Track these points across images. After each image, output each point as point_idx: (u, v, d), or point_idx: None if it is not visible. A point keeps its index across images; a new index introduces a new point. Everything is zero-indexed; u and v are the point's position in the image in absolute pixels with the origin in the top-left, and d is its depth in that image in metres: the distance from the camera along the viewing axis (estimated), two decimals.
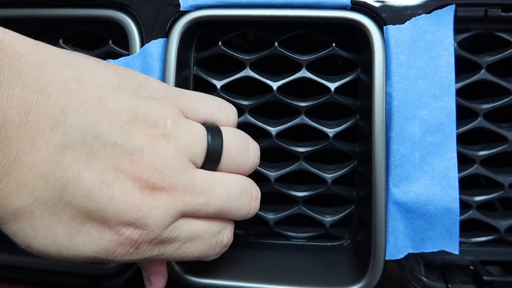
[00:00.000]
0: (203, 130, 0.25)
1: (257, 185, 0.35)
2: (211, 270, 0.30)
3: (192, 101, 0.26)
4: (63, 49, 0.24)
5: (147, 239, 0.24)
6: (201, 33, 0.35)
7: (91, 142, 0.22)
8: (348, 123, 0.34)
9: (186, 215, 0.25)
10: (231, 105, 0.28)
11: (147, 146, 0.23)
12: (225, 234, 0.27)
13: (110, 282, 0.35)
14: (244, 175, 0.27)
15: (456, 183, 0.30)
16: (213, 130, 0.26)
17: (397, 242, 0.31)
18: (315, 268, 0.31)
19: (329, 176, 0.34)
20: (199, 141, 0.25)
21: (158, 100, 0.25)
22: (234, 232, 0.35)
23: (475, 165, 0.34)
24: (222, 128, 0.27)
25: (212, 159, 0.25)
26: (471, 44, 0.35)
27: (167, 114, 0.24)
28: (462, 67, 0.33)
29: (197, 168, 0.25)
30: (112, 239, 0.23)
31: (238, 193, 0.26)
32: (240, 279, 0.30)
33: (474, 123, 0.33)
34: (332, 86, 0.34)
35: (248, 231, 0.36)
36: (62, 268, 0.35)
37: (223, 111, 0.27)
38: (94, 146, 0.22)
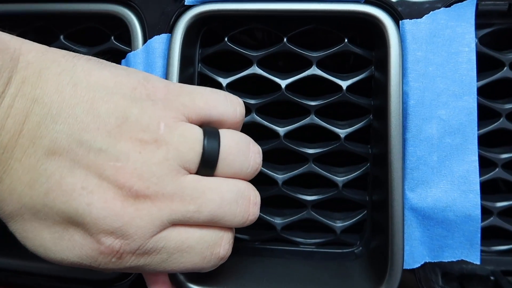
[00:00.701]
0: (199, 134, 0.24)
1: (264, 188, 0.33)
2: (216, 279, 0.29)
3: (194, 98, 0.25)
4: (68, 53, 0.24)
5: (129, 250, 0.23)
6: (206, 29, 0.34)
7: (76, 148, 0.22)
8: (360, 124, 0.33)
9: (177, 223, 0.24)
10: (237, 97, 0.27)
11: (134, 152, 0.22)
12: (222, 245, 0.25)
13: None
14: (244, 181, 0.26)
15: (477, 187, 0.28)
16: (210, 134, 0.24)
17: (413, 251, 0.29)
18: (327, 277, 0.30)
19: (340, 179, 0.33)
20: (194, 146, 0.23)
21: (154, 102, 0.24)
22: (239, 237, 0.34)
23: (497, 169, 0.32)
24: (221, 131, 0.25)
25: (207, 165, 0.24)
26: (493, 41, 0.33)
27: (161, 118, 0.23)
28: (483, 64, 0.31)
29: (191, 174, 0.24)
30: (94, 247, 0.22)
31: (234, 198, 0.24)
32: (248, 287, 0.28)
33: (496, 124, 0.31)
34: (344, 84, 0.32)
35: (254, 236, 0.34)
36: (63, 274, 0.33)
37: (228, 105, 0.26)
38: (79, 153, 0.22)
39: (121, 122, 0.22)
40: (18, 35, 0.28)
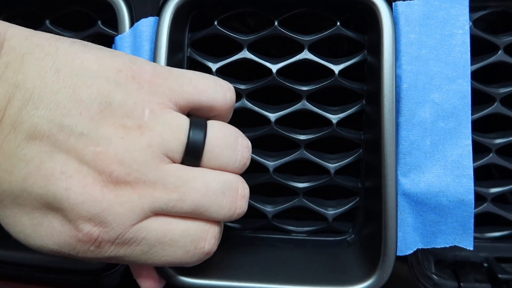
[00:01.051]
0: (185, 124, 0.23)
1: (255, 175, 0.33)
2: (206, 270, 0.28)
3: (182, 82, 0.24)
4: (52, 37, 0.23)
5: (108, 238, 0.22)
6: (196, 13, 0.33)
7: (57, 133, 0.21)
8: (353, 109, 0.32)
9: (159, 213, 0.23)
10: (227, 82, 0.26)
11: (116, 138, 0.22)
12: (207, 240, 0.24)
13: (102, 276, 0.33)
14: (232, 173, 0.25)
15: (470, 172, 0.28)
16: (197, 124, 0.23)
17: (406, 237, 0.29)
18: (320, 265, 0.29)
19: (332, 165, 0.32)
20: (178, 134, 0.23)
21: (140, 85, 0.23)
22: (229, 226, 0.34)
23: (491, 154, 0.31)
24: (209, 122, 0.24)
25: (191, 155, 0.23)
26: (487, 24, 0.32)
27: (146, 103, 0.22)
28: (477, 48, 0.31)
29: (175, 163, 0.23)
30: (71, 234, 0.22)
31: (220, 189, 0.23)
32: (240, 279, 0.27)
33: (490, 108, 0.31)
34: (336, 68, 0.32)
35: (244, 224, 0.33)
36: (49, 264, 0.33)
37: (218, 90, 0.25)
38: (59, 137, 0.21)
39: (104, 107, 0.22)
40: (4, 20, 0.28)
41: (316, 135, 0.32)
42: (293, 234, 0.33)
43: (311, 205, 0.32)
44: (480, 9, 0.31)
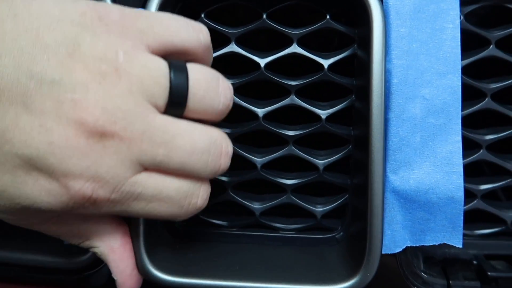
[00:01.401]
0: (164, 66, 0.22)
1: (242, 172, 0.32)
2: (188, 268, 0.27)
3: (152, 23, 0.22)
4: None
5: (104, 194, 0.21)
6: (182, 5, 0.32)
7: (26, 82, 0.19)
8: (342, 104, 0.31)
9: (148, 168, 0.22)
10: (199, 23, 0.24)
11: (93, 83, 0.20)
12: (199, 196, 0.24)
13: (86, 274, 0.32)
14: (214, 120, 0.24)
15: (460, 169, 0.28)
16: (177, 67, 0.22)
17: (394, 235, 0.28)
18: (305, 263, 0.29)
19: (321, 162, 0.31)
20: (159, 78, 0.21)
21: (109, 27, 0.21)
22: (216, 223, 0.33)
23: (481, 151, 0.31)
24: (188, 65, 0.23)
25: (176, 101, 0.22)
26: (479, 18, 0.32)
27: (118, 45, 0.21)
28: (469, 42, 0.30)
29: (159, 113, 0.22)
30: (62, 192, 0.20)
31: (206, 147, 0.23)
32: (221, 277, 0.27)
33: (480, 104, 0.30)
34: (326, 63, 0.31)
35: (232, 222, 0.33)
36: (31, 263, 0.32)
37: (190, 31, 0.23)
38: (30, 86, 0.19)
39: (73, 51, 0.20)
40: None
41: (305, 131, 0.31)
42: (281, 232, 0.33)
43: (300, 202, 0.32)
44: (471, 3, 0.30)
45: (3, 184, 0.20)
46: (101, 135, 0.20)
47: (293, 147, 0.31)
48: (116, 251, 0.26)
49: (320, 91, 0.33)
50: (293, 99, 0.31)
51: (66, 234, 0.25)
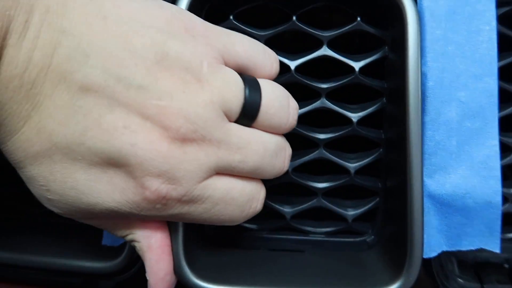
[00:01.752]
0: (240, 82, 0.23)
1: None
2: (226, 275, 0.27)
3: (234, 41, 0.23)
4: None
5: (176, 196, 0.21)
6: (210, 5, 0.31)
7: (113, 85, 0.20)
8: (374, 107, 0.31)
9: (221, 172, 0.23)
10: (274, 52, 0.26)
11: (177, 91, 0.20)
12: (259, 200, 0.25)
13: (109, 281, 0.32)
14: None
15: (498, 173, 0.27)
16: (251, 83, 0.23)
17: (430, 239, 0.28)
18: (342, 269, 0.28)
19: (352, 165, 0.31)
20: (236, 92, 0.22)
21: (195, 38, 0.22)
22: (246, 226, 0.33)
23: None
24: (260, 82, 0.24)
25: (248, 115, 0.23)
26: (510, 19, 0.31)
27: (204, 56, 0.21)
28: (502, 45, 0.30)
29: (232, 123, 0.23)
30: (137, 191, 0.21)
31: (275, 150, 0.24)
32: (261, 285, 0.26)
33: None
34: (357, 65, 0.31)
35: (262, 225, 0.33)
36: (58, 267, 0.32)
37: (267, 57, 0.24)
38: (117, 89, 0.20)
39: (161, 58, 0.21)
40: None
41: (336, 134, 0.31)
42: (311, 235, 0.33)
43: (331, 205, 0.32)
44: (504, 5, 0.30)
45: (75, 180, 0.21)
46: (182, 141, 0.21)
47: (323, 150, 0.31)
48: (154, 251, 0.26)
49: (348, 93, 0.33)
50: (324, 102, 0.31)
51: (111, 227, 0.25)
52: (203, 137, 0.21)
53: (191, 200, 0.22)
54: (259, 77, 0.24)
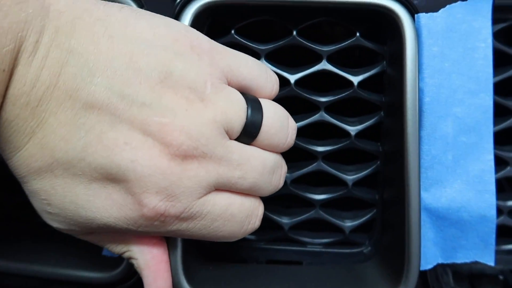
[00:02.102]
0: (243, 102, 0.23)
1: None
2: (223, 286, 0.27)
3: (239, 62, 0.24)
4: (98, 1, 0.22)
5: (174, 213, 0.21)
6: (212, 20, 0.32)
7: (116, 102, 0.20)
8: (372, 121, 0.32)
9: (220, 188, 0.23)
10: (275, 74, 0.26)
11: (180, 109, 0.21)
12: (258, 216, 0.25)
13: None
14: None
15: (493, 187, 0.28)
16: (253, 103, 0.23)
17: (426, 252, 0.28)
18: (340, 280, 0.29)
19: (349, 178, 0.32)
20: (239, 112, 0.23)
21: (200, 57, 0.22)
22: (244, 237, 0.33)
23: (508, 168, 0.31)
24: (262, 102, 0.24)
25: (249, 134, 0.23)
26: (507, 36, 0.32)
27: (208, 76, 0.22)
28: (497, 60, 0.30)
29: (233, 140, 0.23)
30: (135, 208, 0.21)
31: (272, 167, 0.24)
32: None
33: (509, 121, 0.31)
34: (355, 80, 0.31)
35: (260, 236, 0.33)
36: (58, 277, 0.32)
37: (268, 79, 0.25)
38: (120, 107, 0.20)
39: (165, 77, 0.21)
40: None
41: (334, 147, 0.32)
42: (308, 246, 0.33)
43: (329, 217, 0.32)
44: (500, 22, 0.31)
45: (74, 194, 0.21)
46: (183, 158, 0.21)
47: (322, 163, 0.32)
48: (151, 268, 0.26)
49: (346, 106, 0.33)
50: (323, 115, 0.31)
51: (109, 243, 0.25)
52: (204, 154, 0.21)
53: (190, 217, 0.22)
54: (260, 97, 0.25)
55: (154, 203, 0.21)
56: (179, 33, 0.22)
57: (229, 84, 0.23)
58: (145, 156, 0.20)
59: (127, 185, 0.21)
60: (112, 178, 0.21)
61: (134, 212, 0.21)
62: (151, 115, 0.20)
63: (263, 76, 0.25)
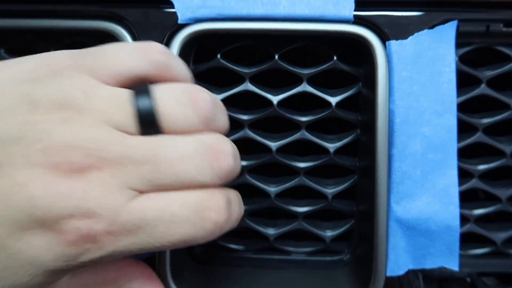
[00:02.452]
0: (126, 94, 0.21)
1: (257, 200, 0.35)
2: None
3: (97, 59, 0.22)
4: None
5: (101, 228, 0.19)
6: (199, 46, 0.34)
7: None
8: (348, 138, 0.34)
9: (144, 190, 0.20)
10: (155, 43, 0.23)
11: (55, 127, 0.19)
12: (212, 208, 0.21)
13: None
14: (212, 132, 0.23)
15: (456, 200, 0.31)
16: (139, 91, 0.21)
17: (398, 259, 0.31)
18: (317, 285, 0.31)
19: (329, 191, 0.34)
20: (121, 106, 0.21)
21: (62, 74, 0.21)
22: (232, 248, 0.36)
23: (474, 180, 0.34)
24: (155, 86, 0.22)
25: (147, 122, 0.21)
26: (472, 57, 0.35)
27: (74, 88, 0.20)
28: (463, 81, 0.33)
29: (135, 136, 0.21)
30: (59, 240, 0.19)
31: (193, 150, 0.21)
32: None
33: (473, 137, 0.33)
34: (333, 100, 0.34)
35: (247, 246, 0.35)
36: None
37: (138, 56, 0.22)
38: None
39: (32, 107, 0.20)
40: (8, 49, 0.27)
41: (315, 163, 0.34)
42: (292, 255, 0.36)
43: (311, 228, 0.35)
44: (465, 45, 0.33)
45: None
46: (79, 171, 0.19)
47: (304, 178, 0.34)
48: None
49: (325, 124, 0.36)
50: (304, 134, 0.34)
51: (95, 284, 0.24)
52: (100, 158, 0.20)
53: (124, 228, 0.20)
54: (146, 78, 0.22)
55: (73, 226, 0.19)
56: (35, 62, 0.22)
57: (105, 83, 0.22)
58: (38, 188, 0.19)
59: (39, 223, 0.19)
60: (21, 224, 0.19)
61: (61, 243, 0.19)
62: (29, 147, 0.19)
63: (130, 56, 0.22)
